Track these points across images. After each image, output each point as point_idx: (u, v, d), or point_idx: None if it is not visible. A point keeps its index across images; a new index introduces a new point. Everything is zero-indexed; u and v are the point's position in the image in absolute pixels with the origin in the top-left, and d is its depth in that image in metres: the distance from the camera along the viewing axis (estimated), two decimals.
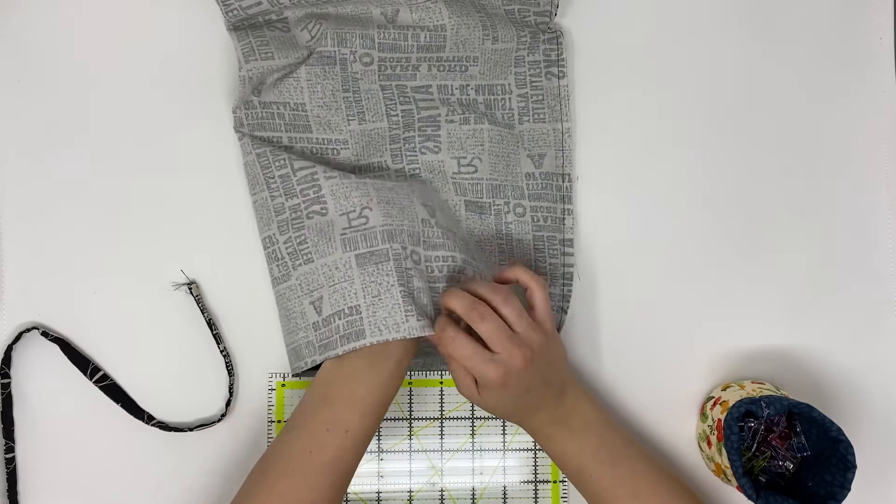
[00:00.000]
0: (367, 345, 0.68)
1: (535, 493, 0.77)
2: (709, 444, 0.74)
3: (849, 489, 0.68)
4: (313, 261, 0.71)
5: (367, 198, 0.71)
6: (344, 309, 0.70)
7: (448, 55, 0.78)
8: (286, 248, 0.72)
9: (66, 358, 0.74)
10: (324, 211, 0.72)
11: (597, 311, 0.79)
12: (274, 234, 0.73)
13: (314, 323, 0.71)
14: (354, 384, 0.68)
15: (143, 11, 0.78)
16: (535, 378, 0.68)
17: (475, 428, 0.77)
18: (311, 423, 0.67)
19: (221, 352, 0.76)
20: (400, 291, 0.69)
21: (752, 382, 0.76)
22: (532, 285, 0.71)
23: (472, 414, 0.77)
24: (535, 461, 0.77)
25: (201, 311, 0.76)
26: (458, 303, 0.68)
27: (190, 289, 0.76)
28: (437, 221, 0.73)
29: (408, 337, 0.68)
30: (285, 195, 0.73)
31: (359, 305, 0.69)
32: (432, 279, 0.72)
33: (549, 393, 0.69)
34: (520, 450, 0.77)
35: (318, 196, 0.72)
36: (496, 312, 0.67)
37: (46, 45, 0.78)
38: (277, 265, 0.73)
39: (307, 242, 0.71)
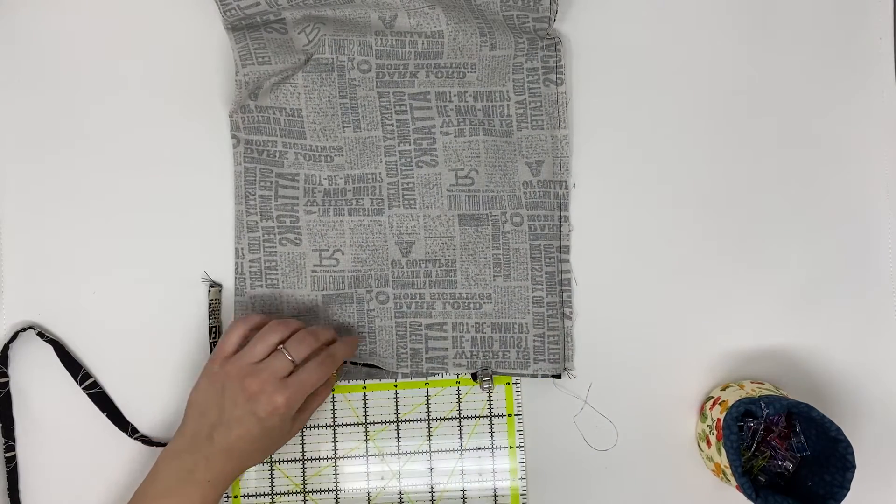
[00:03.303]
0: None
1: (495, 493, 0.77)
2: (708, 443, 0.74)
3: (848, 489, 0.68)
4: (278, 287, 0.77)
5: (342, 240, 0.77)
6: None
7: (446, 62, 0.79)
8: (250, 267, 0.77)
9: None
10: (297, 241, 0.77)
11: (597, 312, 0.79)
12: (243, 249, 0.77)
13: None
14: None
15: (141, 14, 0.80)
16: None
17: (431, 430, 0.78)
18: None
19: None
20: (357, 332, 0.78)
21: (752, 382, 0.76)
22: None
23: (428, 416, 0.78)
24: (493, 462, 0.77)
25: (209, 314, 0.76)
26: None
27: (209, 290, 0.77)
28: (410, 260, 0.78)
29: (359, 363, 0.77)
30: (261, 215, 0.77)
31: None
32: (400, 314, 0.78)
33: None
34: (477, 448, 0.77)
35: (294, 226, 0.77)
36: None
37: (45, 47, 0.79)
38: (238, 278, 0.77)
39: (277, 270, 0.77)
